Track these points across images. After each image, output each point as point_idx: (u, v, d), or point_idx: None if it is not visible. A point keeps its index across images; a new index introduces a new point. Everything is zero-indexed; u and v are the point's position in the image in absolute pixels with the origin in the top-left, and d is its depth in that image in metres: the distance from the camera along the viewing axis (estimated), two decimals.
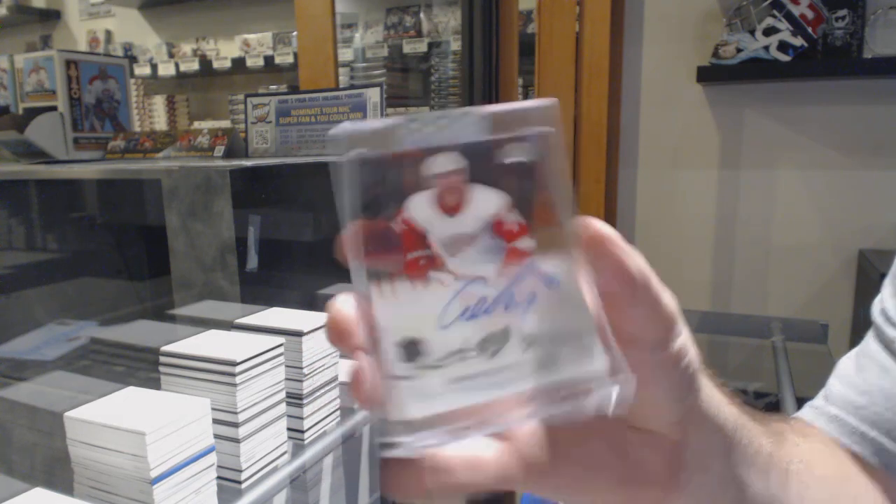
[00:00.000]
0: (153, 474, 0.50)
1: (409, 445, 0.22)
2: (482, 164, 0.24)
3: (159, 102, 3.49)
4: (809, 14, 1.56)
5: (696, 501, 0.28)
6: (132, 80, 3.40)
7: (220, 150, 1.18)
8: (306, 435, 0.71)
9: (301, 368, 0.69)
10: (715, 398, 0.28)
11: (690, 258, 1.83)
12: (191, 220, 0.84)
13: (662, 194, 1.85)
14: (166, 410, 0.53)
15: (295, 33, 2.89)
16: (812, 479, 0.35)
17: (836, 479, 0.40)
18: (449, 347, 0.23)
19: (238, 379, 0.59)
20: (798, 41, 1.57)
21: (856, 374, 0.45)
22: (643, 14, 1.81)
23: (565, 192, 0.24)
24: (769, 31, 1.60)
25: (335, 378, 0.75)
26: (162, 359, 0.62)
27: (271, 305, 0.77)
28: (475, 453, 0.25)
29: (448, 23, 2.79)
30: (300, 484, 0.66)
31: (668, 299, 0.25)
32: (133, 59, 3.54)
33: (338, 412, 0.76)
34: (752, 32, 1.62)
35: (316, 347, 0.70)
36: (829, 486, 0.39)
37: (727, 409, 0.29)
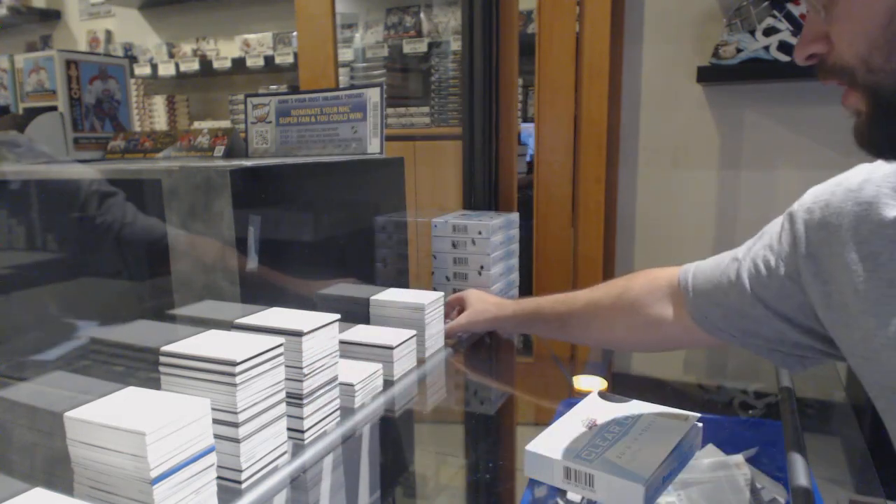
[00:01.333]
0: (153, 474, 0.50)
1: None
2: None
3: (159, 102, 3.49)
4: None
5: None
6: (132, 80, 3.40)
7: (220, 150, 1.18)
8: (306, 435, 0.71)
9: (301, 368, 0.69)
10: (517, 315, 1.00)
11: (690, 258, 1.83)
12: (191, 220, 0.84)
13: (662, 194, 1.85)
14: (166, 410, 0.53)
15: (295, 33, 2.89)
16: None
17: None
18: None
19: (238, 379, 0.59)
20: None
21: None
22: (643, 14, 1.81)
23: None
24: (769, 32, 1.60)
25: (335, 378, 0.75)
26: (162, 359, 0.62)
27: (271, 305, 0.77)
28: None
29: (448, 23, 2.79)
30: (300, 484, 0.66)
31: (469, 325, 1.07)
32: (133, 59, 3.54)
33: (338, 412, 0.76)
34: (752, 32, 1.62)
35: (316, 347, 0.70)
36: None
37: (526, 314, 0.98)
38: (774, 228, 0.69)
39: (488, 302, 1.06)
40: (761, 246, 0.69)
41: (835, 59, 0.49)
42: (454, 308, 1.11)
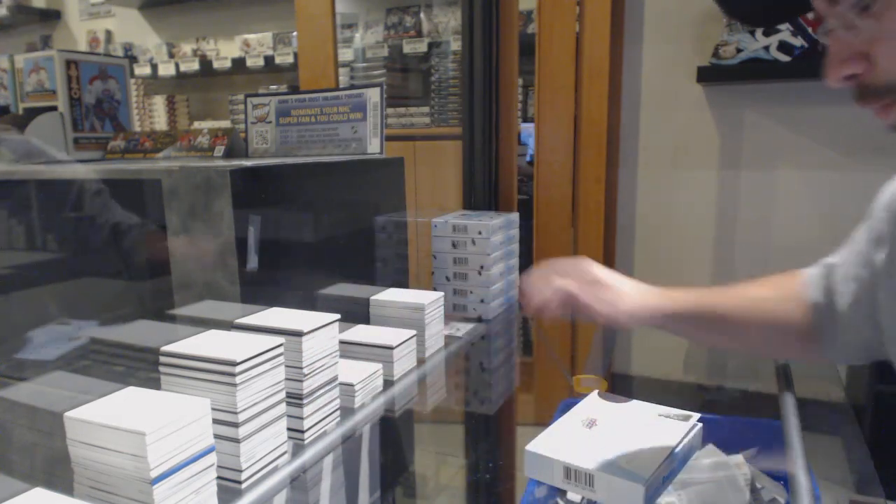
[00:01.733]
0: (153, 474, 0.50)
1: None
2: None
3: (159, 102, 3.49)
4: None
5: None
6: (132, 80, 3.40)
7: (220, 150, 1.18)
8: (306, 435, 0.71)
9: (301, 368, 0.69)
10: (673, 314, 0.75)
11: (690, 258, 1.83)
12: (191, 220, 0.84)
13: (662, 194, 1.85)
14: (166, 410, 0.53)
15: (295, 33, 2.89)
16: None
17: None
18: None
19: (238, 379, 0.59)
20: (798, 41, 1.57)
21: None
22: (643, 14, 1.81)
23: None
24: (769, 32, 1.60)
25: (335, 378, 0.75)
26: (162, 359, 0.62)
27: (271, 305, 0.77)
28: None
29: (448, 23, 2.79)
30: (300, 484, 0.66)
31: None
32: (133, 59, 3.54)
33: (338, 412, 0.76)
34: (752, 33, 1.62)
35: (316, 347, 0.70)
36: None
37: (672, 309, 0.75)
38: (859, 233, 0.70)
39: (625, 295, 0.75)
40: (849, 251, 0.70)
41: (880, 79, 0.46)
42: (550, 291, 0.76)
